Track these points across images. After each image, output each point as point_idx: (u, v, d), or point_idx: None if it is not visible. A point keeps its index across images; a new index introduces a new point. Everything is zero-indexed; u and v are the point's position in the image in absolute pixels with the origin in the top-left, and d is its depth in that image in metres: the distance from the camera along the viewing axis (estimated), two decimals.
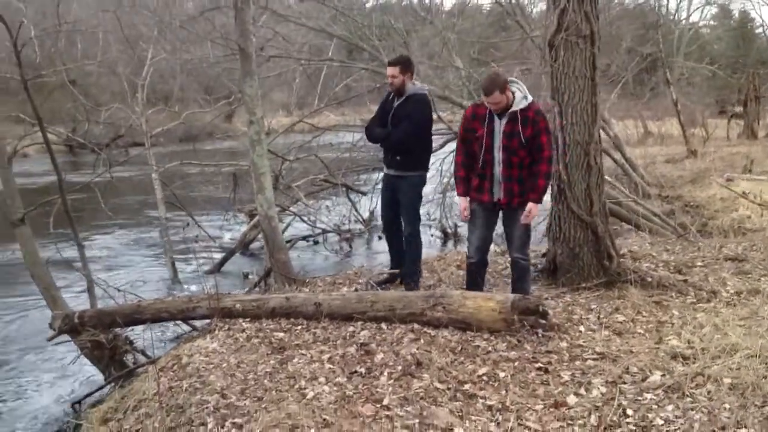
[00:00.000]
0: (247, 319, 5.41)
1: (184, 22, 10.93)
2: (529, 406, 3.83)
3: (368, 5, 15.00)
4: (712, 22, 36.93)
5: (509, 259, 5.82)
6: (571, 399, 3.88)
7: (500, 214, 5.57)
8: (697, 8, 29.46)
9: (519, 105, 5.20)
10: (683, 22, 25.52)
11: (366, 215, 12.58)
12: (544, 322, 4.93)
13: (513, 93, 5.23)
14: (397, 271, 6.51)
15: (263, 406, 3.87)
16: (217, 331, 5.19)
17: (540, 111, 5.30)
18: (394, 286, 6.45)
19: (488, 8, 15.25)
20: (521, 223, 5.40)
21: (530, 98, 5.26)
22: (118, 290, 6.47)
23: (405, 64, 6.30)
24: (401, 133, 6.16)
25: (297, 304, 5.46)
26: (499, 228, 5.70)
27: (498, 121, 5.26)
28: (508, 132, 5.21)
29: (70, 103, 26.32)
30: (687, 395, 3.82)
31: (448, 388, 3.98)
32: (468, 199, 5.51)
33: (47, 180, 18.04)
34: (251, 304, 5.53)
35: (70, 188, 6.00)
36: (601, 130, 6.85)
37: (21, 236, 6.13)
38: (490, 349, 4.57)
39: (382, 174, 7.01)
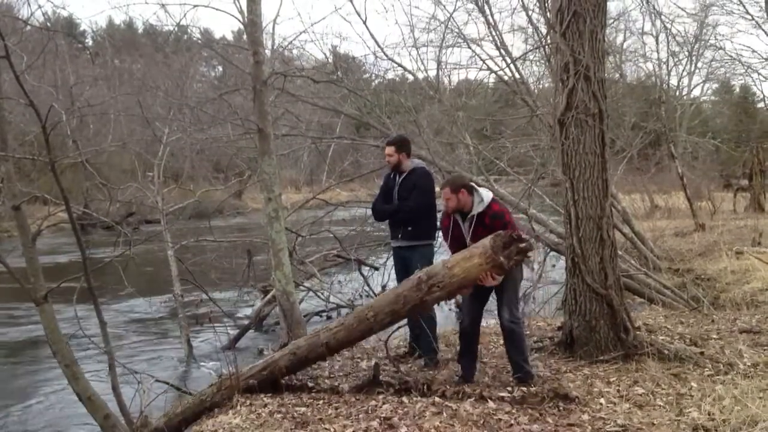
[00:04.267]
0: (268, 394, 5.46)
1: (201, 103, 11.23)
2: None
3: (374, 84, 15.32)
4: (713, 98, 37.52)
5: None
6: None
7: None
8: (698, 84, 30.08)
9: (476, 209, 5.56)
10: (685, 97, 25.96)
11: (378, 290, 12.62)
12: (523, 246, 5.10)
13: (472, 198, 5.58)
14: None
15: None
16: (239, 407, 5.22)
17: (495, 214, 5.54)
18: (412, 360, 6.53)
19: (493, 86, 15.53)
20: (506, 283, 5.51)
21: (487, 201, 5.56)
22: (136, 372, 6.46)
23: (399, 144, 6.77)
24: (413, 202, 6.46)
25: (305, 353, 5.59)
26: None
27: (462, 225, 5.65)
28: (473, 233, 5.55)
29: (82, 181, 26.83)
30: None
31: None
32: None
33: (59, 257, 18.25)
34: (262, 374, 5.59)
35: (92, 266, 6.09)
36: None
37: (43, 313, 6.20)
38: (512, 422, 4.60)
39: (391, 249, 7.23)
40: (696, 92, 31.06)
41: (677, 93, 24.72)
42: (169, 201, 12.79)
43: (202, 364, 9.60)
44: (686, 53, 23.62)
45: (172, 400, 6.52)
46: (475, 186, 5.72)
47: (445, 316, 10.62)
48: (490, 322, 7.09)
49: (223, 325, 11.33)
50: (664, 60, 22.15)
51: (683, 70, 25.16)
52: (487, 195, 5.63)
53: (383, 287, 12.45)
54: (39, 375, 9.25)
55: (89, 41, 48.45)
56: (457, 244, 5.64)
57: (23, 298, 6.55)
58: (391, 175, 6.82)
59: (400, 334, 7.11)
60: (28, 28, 7.22)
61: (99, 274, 6.68)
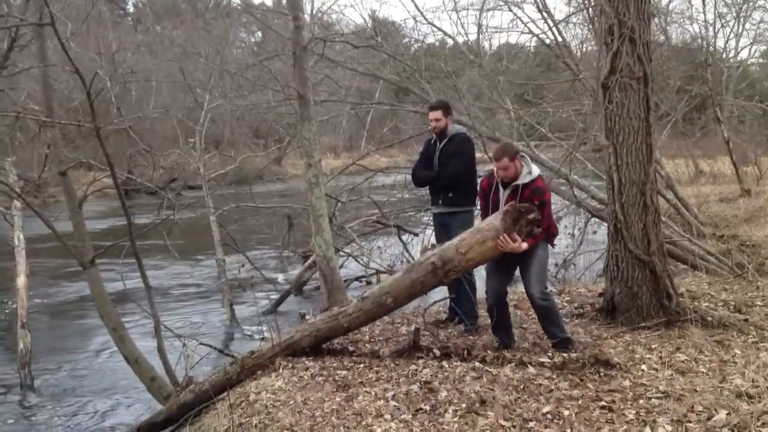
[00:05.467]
0: (310, 357, 5.53)
1: (241, 69, 11.27)
2: None
3: (414, 48, 15.19)
4: (761, 60, 36.48)
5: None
6: None
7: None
8: (746, 46, 29.26)
9: (522, 180, 5.49)
10: (732, 60, 25.27)
11: (417, 256, 12.64)
12: (532, 216, 5.17)
13: (522, 167, 5.53)
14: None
15: None
16: (281, 369, 5.30)
17: (538, 189, 5.46)
18: (452, 325, 6.57)
19: (534, 50, 15.28)
20: (531, 260, 5.48)
21: (534, 175, 5.51)
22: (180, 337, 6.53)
23: (446, 108, 6.71)
24: (453, 168, 6.43)
25: (325, 334, 5.65)
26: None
27: (502, 192, 5.57)
28: (508, 202, 5.45)
29: (125, 148, 27.20)
30: None
31: (513, 426, 4.02)
32: None
33: (105, 222, 18.58)
34: (285, 353, 5.57)
35: (137, 231, 6.18)
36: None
37: (90, 277, 6.34)
38: (552, 387, 4.60)
39: (431, 215, 7.23)
40: (743, 54, 30.34)
41: (724, 55, 24.04)
42: (211, 167, 12.93)
43: (245, 327, 9.78)
44: (734, 14, 22.91)
45: (215, 362, 6.65)
46: (528, 160, 5.67)
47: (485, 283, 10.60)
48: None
49: (264, 290, 11.48)
50: (711, 22, 21.63)
51: (730, 32, 24.50)
52: (535, 169, 5.58)
53: (422, 253, 12.47)
54: (88, 337, 9.50)
55: (131, 8, 48.87)
56: (491, 208, 5.60)
57: (71, 262, 6.69)
58: (432, 141, 6.78)
59: (436, 300, 7.13)
60: None
61: (143, 238, 6.78)
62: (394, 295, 5.43)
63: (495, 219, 5.20)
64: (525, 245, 5.20)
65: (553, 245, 5.76)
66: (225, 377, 5.55)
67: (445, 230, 6.56)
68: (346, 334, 5.87)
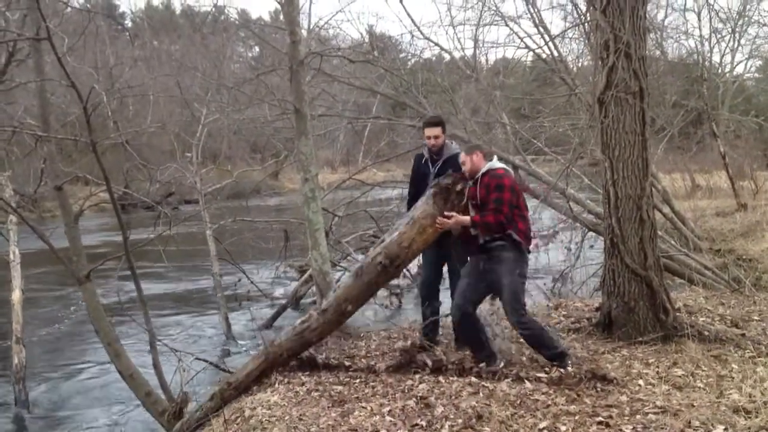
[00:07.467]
0: (306, 372, 5.52)
1: (238, 83, 11.28)
2: None
3: (410, 63, 15.26)
4: (756, 75, 36.59)
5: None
6: None
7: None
8: (741, 61, 29.29)
9: (482, 171, 5.50)
10: (727, 75, 25.38)
11: (414, 270, 12.62)
12: (460, 187, 5.33)
13: (484, 163, 5.54)
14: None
15: None
16: (277, 384, 5.28)
17: (495, 174, 5.43)
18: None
19: (530, 64, 15.33)
20: (501, 286, 5.39)
21: (494, 166, 5.51)
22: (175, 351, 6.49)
23: (444, 124, 6.40)
24: None
25: (297, 351, 5.68)
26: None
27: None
28: (472, 194, 5.46)
29: (122, 162, 27.18)
30: None
31: None
32: None
33: (101, 237, 18.55)
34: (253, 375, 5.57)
35: (133, 246, 6.16)
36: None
37: (86, 292, 6.32)
38: (549, 402, 4.58)
39: None
40: (739, 69, 30.33)
41: (719, 70, 24.10)
42: (207, 181, 12.93)
43: (240, 342, 9.75)
44: (729, 30, 22.97)
45: (211, 377, 6.62)
46: (495, 158, 5.67)
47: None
48: None
49: (260, 304, 11.45)
50: (707, 37, 21.56)
51: (726, 47, 24.49)
52: (497, 163, 5.58)
53: (418, 267, 12.45)
54: (83, 352, 9.47)
55: (128, 23, 49.00)
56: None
57: (67, 277, 6.68)
58: (423, 160, 6.42)
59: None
60: (69, 9, 7.27)
61: (139, 253, 6.76)
62: (352, 300, 5.56)
63: (426, 205, 5.33)
64: (468, 219, 5.32)
65: (527, 251, 5.53)
66: (204, 413, 5.42)
67: (437, 249, 6.42)
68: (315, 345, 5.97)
